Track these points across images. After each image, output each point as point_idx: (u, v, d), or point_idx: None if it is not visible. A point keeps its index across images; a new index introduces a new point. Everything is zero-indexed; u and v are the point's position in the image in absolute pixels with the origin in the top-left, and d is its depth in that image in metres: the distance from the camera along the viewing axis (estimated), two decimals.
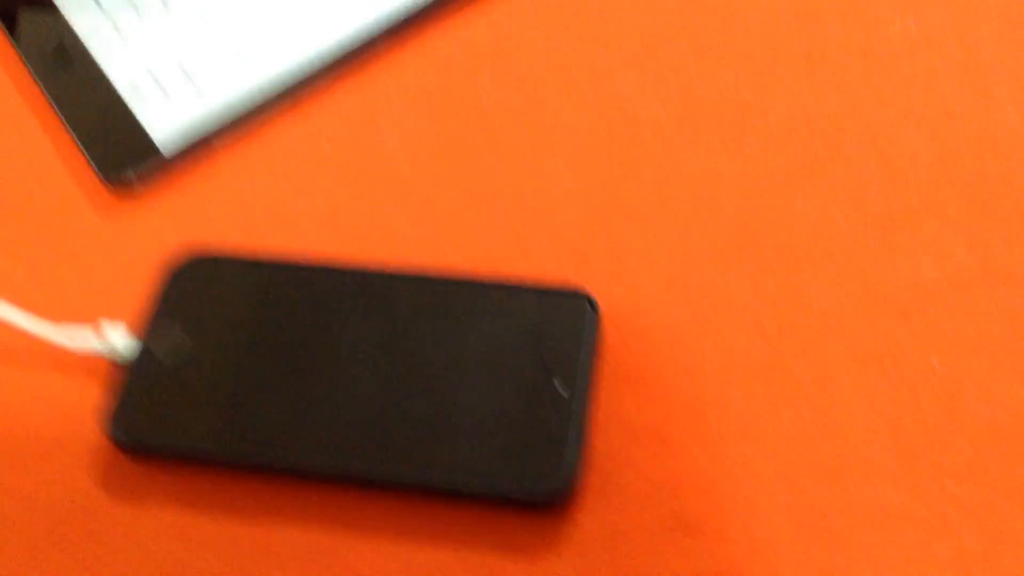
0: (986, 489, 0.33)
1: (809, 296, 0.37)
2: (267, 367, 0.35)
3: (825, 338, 0.36)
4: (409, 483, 0.33)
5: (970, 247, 0.37)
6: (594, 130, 0.41)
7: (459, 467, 0.33)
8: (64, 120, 0.43)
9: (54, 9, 0.46)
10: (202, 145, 0.42)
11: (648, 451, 0.34)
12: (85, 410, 0.36)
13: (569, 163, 0.41)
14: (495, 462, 0.33)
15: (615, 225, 0.39)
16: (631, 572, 0.32)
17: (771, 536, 0.32)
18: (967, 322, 0.36)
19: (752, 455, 0.34)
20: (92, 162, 0.42)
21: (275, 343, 0.36)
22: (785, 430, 0.34)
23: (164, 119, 0.42)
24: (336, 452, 0.33)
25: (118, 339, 0.36)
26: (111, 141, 0.42)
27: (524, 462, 0.33)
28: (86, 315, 0.38)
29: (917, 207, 0.38)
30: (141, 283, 0.39)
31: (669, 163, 0.40)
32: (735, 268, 0.38)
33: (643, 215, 0.39)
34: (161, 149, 0.41)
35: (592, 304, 0.36)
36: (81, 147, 0.42)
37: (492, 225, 0.39)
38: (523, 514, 0.33)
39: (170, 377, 0.35)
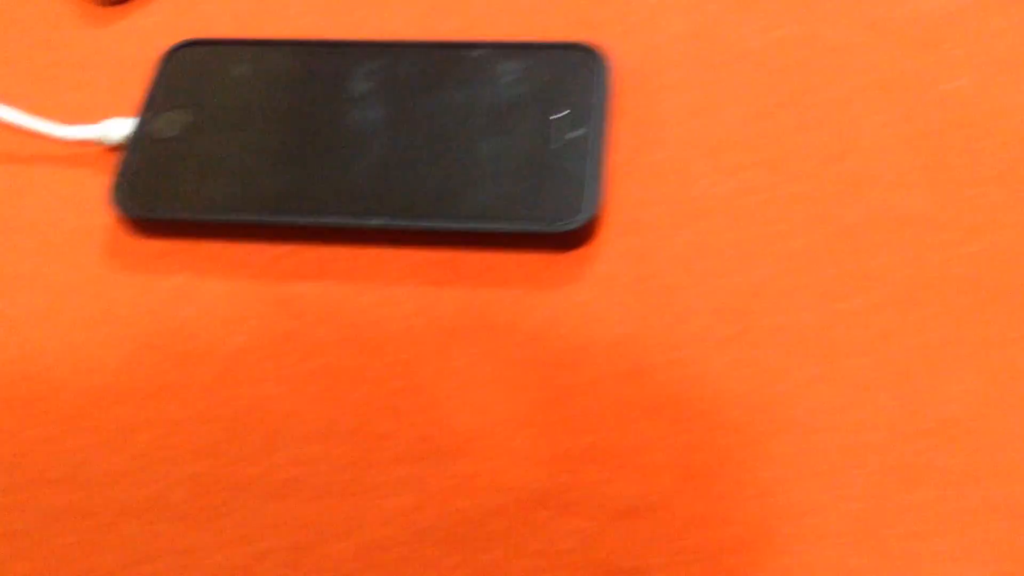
0: (1008, 188, 0.32)
1: (819, 36, 0.36)
2: (272, 134, 0.34)
3: (839, 70, 0.35)
4: (431, 229, 0.32)
5: None
6: None
7: (481, 210, 0.32)
8: None
9: None
10: None
11: (666, 187, 0.33)
12: (92, 195, 0.35)
13: None
14: (517, 203, 0.32)
15: None
16: (656, 299, 0.31)
17: (797, 256, 0.32)
18: (976, 46, 0.35)
19: (772, 180, 0.33)
20: None
21: (278, 112, 0.35)
22: (802, 153, 0.33)
23: None
24: (351, 206, 0.33)
25: (115, 123, 0.35)
26: None
27: (546, 200, 0.32)
28: (87, 119, 0.37)
29: None
30: (137, 80, 0.38)
31: None
32: (744, 15, 0.37)
33: None
34: None
35: (599, 55, 0.35)
36: None
37: None
38: (548, 252, 0.33)
39: (171, 150, 0.34)
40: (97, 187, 0.36)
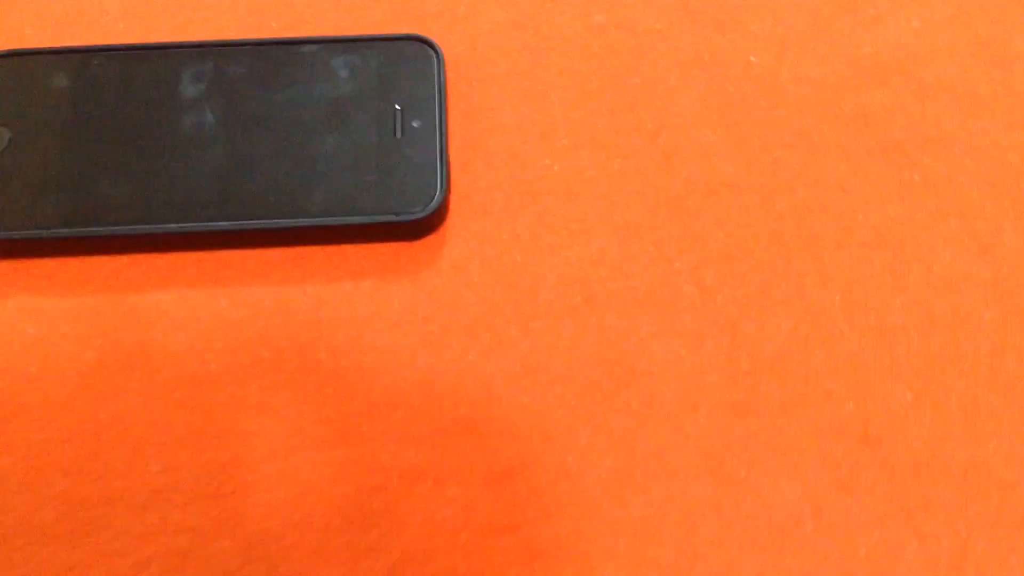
0: (804, 151, 0.36)
1: (632, 20, 0.39)
2: (101, 144, 0.34)
3: (652, 53, 0.38)
4: (278, 227, 0.33)
5: None
6: None
7: (328, 205, 0.33)
8: None
9: None
10: None
11: (504, 171, 0.36)
12: None
13: None
14: (364, 196, 0.33)
15: None
16: (506, 277, 0.34)
17: (629, 225, 0.35)
18: (772, 22, 0.39)
19: (600, 158, 0.36)
20: None
21: (105, 121, 0.34)
22: (625, 131, 0.36)
23: None
24: (193, 211, 0.33)
25: None
26: None
27: (393, 191, 0.33)
28: None
29: None
30: None
31: None
32: (559, 4, 0.39)
33: None
34: None
35: (433, 47, 0.36)
36: None
37: None
38: (398, 242, 0.34)
39: None
40: None
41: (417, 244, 0.34)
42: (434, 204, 0.33)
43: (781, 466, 0.30)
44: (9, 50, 0.36)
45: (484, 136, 0.36)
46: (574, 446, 0.31)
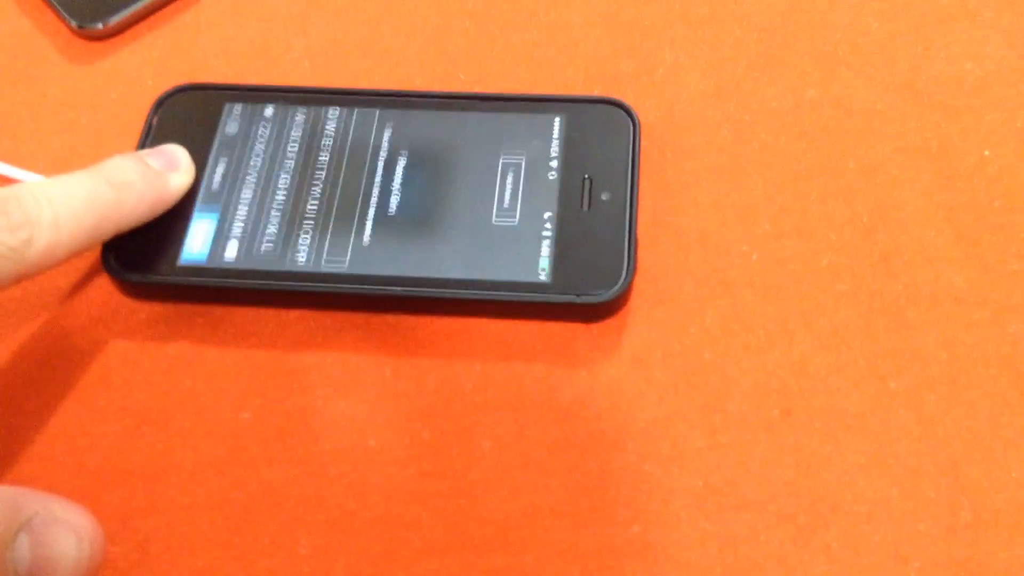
0: None
1: (850, 98, 0.35)
2: (276, 192, 0.32)
3: (871, 136, 0.34)
4: (460, 296, 0.30)
5: (1008, 42, 0.36)
6: None
7: (510, 279, 0.30)
8: None
9: None
10: None
11: (695, 254, 0.32)
12: (91, 261, 0.33)
13: None
14: (549, 271, 0.30)
15: (640, 37, 0.37)
16: (691, 376, 0.30)
17: (836, 332, 0.31)
18: (1013, 113, 0.35)
19: (805, 250, 0.32)
20: (62, 11, 0.38)
21: (280, 167, 0.33)
22: (835, 222, 0.32)
23: None
24: (372, 272, 0.31)
25: None
26: None
27: (576, 268, 0.30)
28: (78, 165, 0.35)
29: (950, 7, 0.37)
30: (128, 122, 0.35)
31: None
32: (768, 74, 0.36)
33: (669, 24, 0.37)
34: None
35: (629, 112, 0.33)
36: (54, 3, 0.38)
37: (509, 44, 0.37)
38: (575, 323, 0.31)
39: (171, 207, 0.32)
40: None
41: (595, 328, 0.31)
42: (619, 287, 0.30)
43: None
44: (188, 84, 0.35)
45: (675, 214, 0.33)
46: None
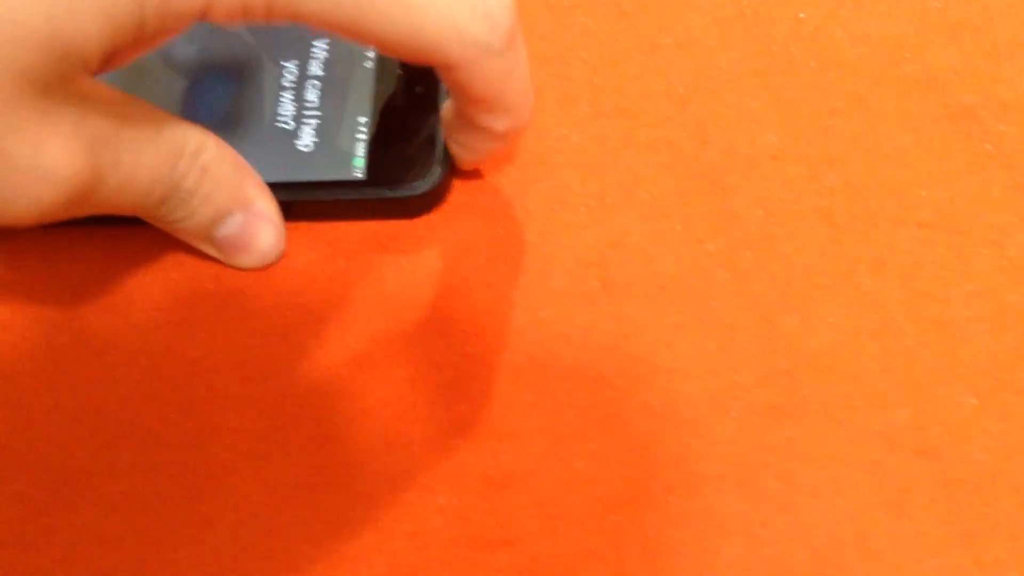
0: (860, 118, 0.32)
1: None
2: None
3: (686, 9, 0.34)
4: (281, 199, 0.30)
5: None
6: None
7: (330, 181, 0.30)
8: None
9: None
10: None
11: (516, 143, 0.32)
12: None
13: None
14: (369, 168, 0.30)
15: None
16: (515, 260, 0.30)
17: (655, 202, 0.31)
18: None
19: (624, 128, 0.32)
20: None
21: None
22: (653, 97, 0.33)
23: None
24: None
25: None
26: None
27: (395, 165, 0.30)
28: None
29: None
30: None
31: None
32: None
33: None
34: None
35: None
36: None
37: None
38: (396, 219, 0.31)
39: None
40: None
41: (418, 222, 0.31)
42: (435, 177, 0.30)
43: (822, 480, 0.26)
44: None
45: None
46: (583, 451, 0.27)
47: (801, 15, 0.34)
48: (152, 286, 0.30)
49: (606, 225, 0.30)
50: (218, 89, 0.32)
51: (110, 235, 0.31)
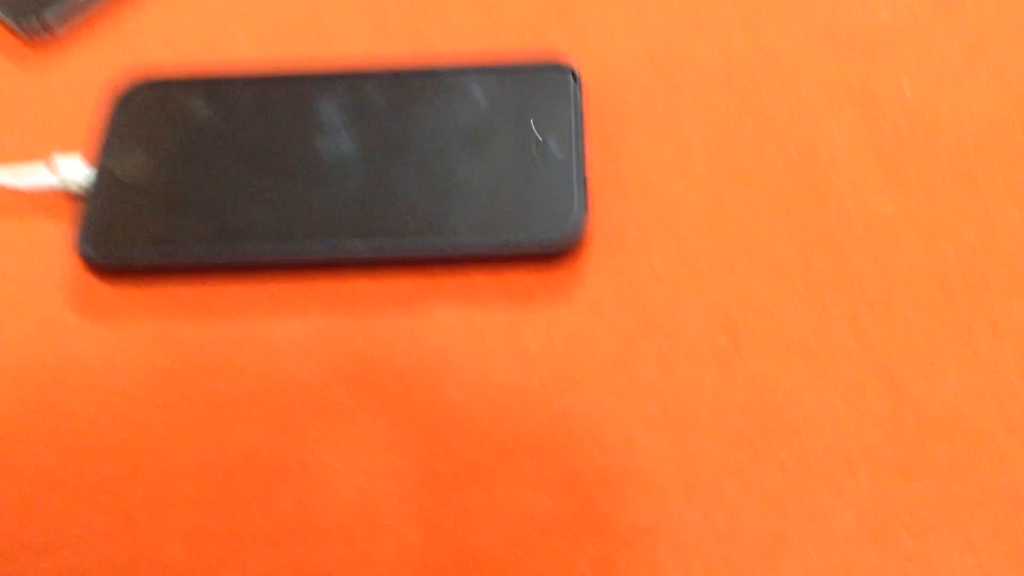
0: (967, 189, 0.33)
1: (773, 47, 0.37)
2: (240, 172, 0.33)
3: (796, 81, 0.36)
4: (418, 252, 0.32)
5: None
6: None
7: (466, 230, 0.32)
8: None
9: None
10: None
11: (642, 203, 0.34)
12: (52, 246, 0.34)
13: None
14: (501, 222, 0.32)
15: (570, 2, 0.38)
16: (645, 317, 0.32)
17: (776, 265, 0.32)
18: (927, 49, 0.37)
19: (741, 192, 0.34)
20: (9, 19, 0.39)
21: (243, 150, 0.34)
22: (767, 162, 0.34)
23: None
24: (330, 235, 0.32)
25: (74, 168, 0.34)
26: None
27: (532, 218, 0.32)
28: (31, 157, 0.36)
29: None
30: (82, 120, 0.36)
31: None
32: (693, 29, 0.37)
33: None
34: None
35: (573, 73, 0.35)
36: None
37: (444, 15, 0.38)
38: (533, 271, 0.32)
39: (135, 194, 0.33)
40: (53, 235, 0.34)
41: (552, 276, 0.32)
42: (574, 233, 0.32)
43: (952, 536, 0.28)
44: (149, 79, 0.36)
45: (619, 167, 0.35)
46: (721, 503, 0.28)
47: (905, 87, 0.36)
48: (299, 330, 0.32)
49: (730, 285, 0.32)
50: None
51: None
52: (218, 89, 0.35)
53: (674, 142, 0.35)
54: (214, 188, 0.33)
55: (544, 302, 0.32)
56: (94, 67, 0.38)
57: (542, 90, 0.35)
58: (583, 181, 0.33)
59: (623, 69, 0.37)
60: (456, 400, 0.30)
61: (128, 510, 0.29)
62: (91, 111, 0.37)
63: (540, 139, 0.33)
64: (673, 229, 0.33)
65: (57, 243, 0.34)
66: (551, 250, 0.32)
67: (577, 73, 0.35)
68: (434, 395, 0.31)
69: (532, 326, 0.32)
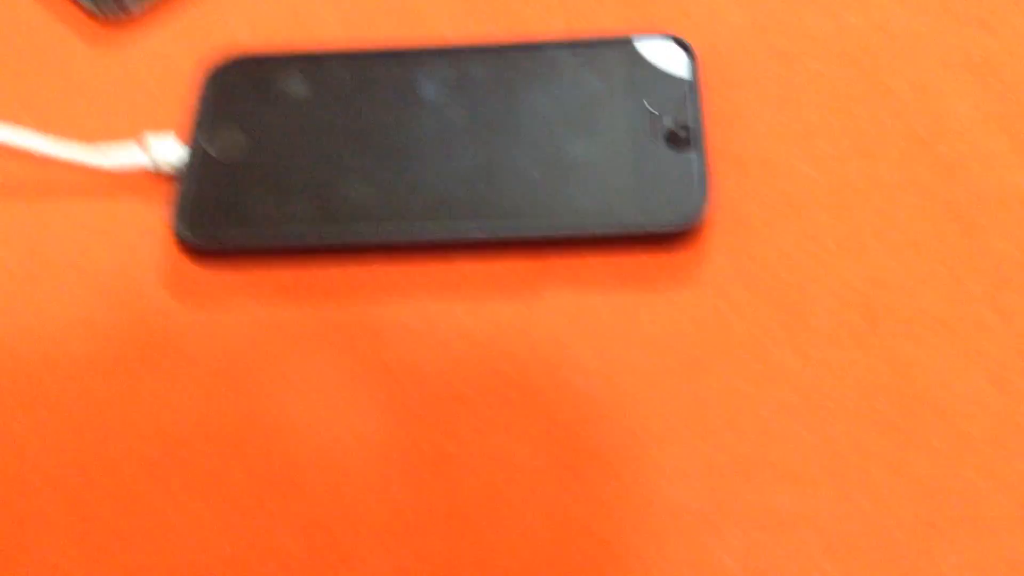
0: None
1: (888, 21, 0.35)
2: (340, 151, 0.32)
3: (915, 55, 0.35)
4: (532, 235, 0.30)
5: None
6: None
7: (582, 212, 0.30)
8: None
9: None
10: None
11: (763, 180, 0.32)
12: (144, 227, 0.32)
13: None
14: (618, 203, 0.30)
15: None
16: (775, 297, 0.30)
17: (909, 243, 0.31)
18: None
19: (867, 168, 0.32)
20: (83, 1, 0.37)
21: (342, 128, 0.32)
22: (892, 139, 0.33)
23: None
24: (439, 217, 0.30)
25: (167, 147, 0.32)
26: None
27: (651, 198, 0.31)
28: (117, 138, 0.34)
29: None
30: (168, 100, 0.35)
31: None
32: (805, 4, 0.36)
33: None
34: None
35: (686, 47, 0.34)
36: None
37: None
38: (654, 253, 0.31)
39: (231, 173, 0.32)
40: (144, 217, 0.33)
41: (672, 258, 0.31)
42: (696, 213, 0.30)
43: None
44: (239, 55, 0.34)
45: (736, 143, 0.33)
46: (870, 491, 0.27)
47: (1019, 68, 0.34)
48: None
49: (863, 264, 0.30)
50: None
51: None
52: (314, 65, 0.34)
53: (792, 118, 0.33)
54: (314, 167, 0.32)
55: (665, 285, 0.30)
56: (176, 47, 0.37)
57: (653, 65, 0.33)
58: (703, 159, 0.31)
59: (732, 44, 0.35)
60: (578, 386, 0.29)
61: (237, 500, 0.28)
62: (177, 90, 0.35)
63: (655, 114, 0.32)
64: (797, 207, 0.32)
65: (149, 225, 0.33)
66: (672, 231, 0.30)
67: (691, 46, 0.34)
68: (555, 381, 0.29)
69: (653, 310, 0.30)
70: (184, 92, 0.35)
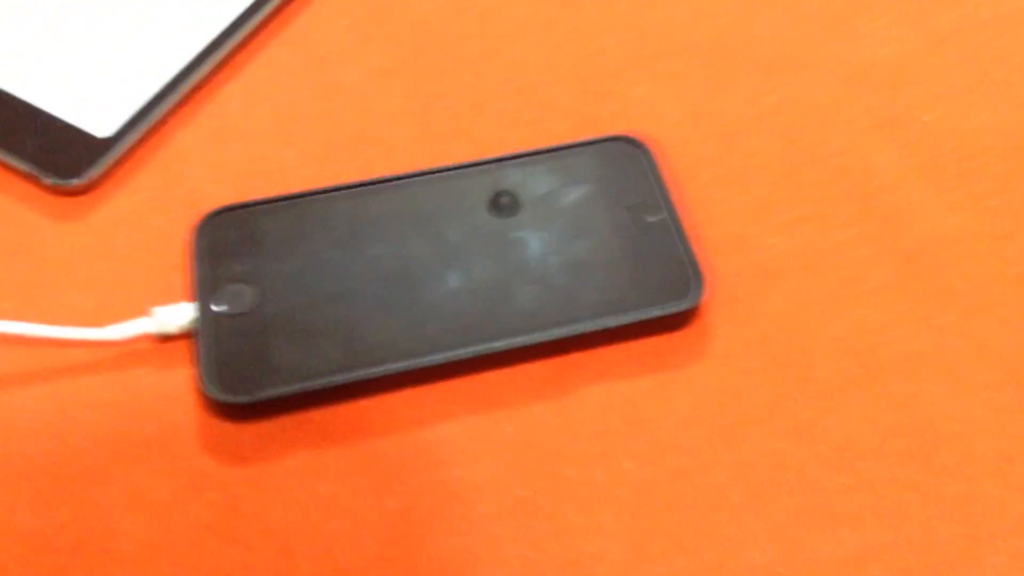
0: (1016, 196, 0.37)
1: (804, 96, 0.40)
2: (348, 285, 0.33)
3: (836, 122, 0.39)
4: (556, 336, 0.32)
5: (911, 25, 0.42)
6: None
7: (589, 310, 0.32)
8: None
9: None
10: (145, 124, 0.38)
11: (740, 254, 0.35)
12: (168, 393, 0.32)
13: (527, 26, 0.41)
14: (627, 294, 0.33)
15: (608, 81, 0.40)
16: (779, 358, 0.33)
17: (877, 290, 0.34)
18: (933, 83, 0.41)
19: (823, 228, 0.36)
20: (45, 176, 0.36)
21: (343, 263, 0.33)
22: (835, 199, 0.37)
23: (94, 111, 0.38)
24: (460, 336, 0.32)
25: (175, 313, 0.32)
26: (54, 150, 0.37)
27: (654, 284, 0.33)
28: (133, 314, 0.34)
29: (847, 4, 0.43)
30: (151, 258, 0.35)
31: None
32: (727, 90, 0.40)
33: (628, 65, 0.41)
34: (104, 139, 0.37)
35: (638, 144, 0.37)
36: (26, 168, 0.37)
37: (493, 113, 0.39)
38: (659, 336, 0.33)
39: (244, 325, 0.32)
40: (162, 383, 0.32)
41: (681, 337, 0.33)
42: (697, 292, 0.33)
43: None
44: (225, 206, 0.35)
45: (706, 226, 0.36)
46: (911, 519, 0.30)
47: (925, 118, 0.39)
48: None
49: (844, 316, 0.34)
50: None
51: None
52: (298, 206, 0.35)
53: (744, 195, 0.37)
54: (327, 306, 0.32)
55: (681, 362, 0.33)
56: (143, 206, 0.36)
57: (613, 164, 0.36)
58: (687, 243, 0.34)
59: (674, 136, 0.39)
60: (637, 473, 0.30)
61: None
62: (154, 250, 0.35)
63: (632, 208, 0.35)
64: (772, 274, 0.35)
65: (165, 390, 0.32)
66: (679, 312, 0.33)
67: (643, 144, 0.37)
68: (612, 471, 0.30)
69: (678, 387, 0.32)
70: (162, 250, 0.35)
